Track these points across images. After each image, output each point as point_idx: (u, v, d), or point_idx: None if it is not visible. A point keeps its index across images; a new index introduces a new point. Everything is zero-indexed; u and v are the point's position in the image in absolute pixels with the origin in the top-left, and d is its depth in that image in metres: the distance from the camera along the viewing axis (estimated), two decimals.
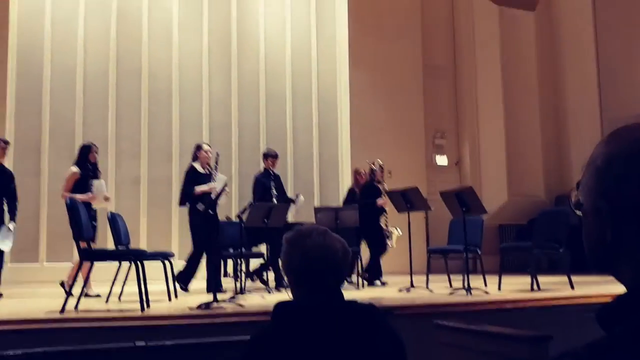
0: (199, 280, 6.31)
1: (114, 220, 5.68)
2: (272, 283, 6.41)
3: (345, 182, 9.89)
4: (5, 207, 5.72)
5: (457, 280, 6.31)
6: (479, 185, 9.87)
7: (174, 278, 5.63)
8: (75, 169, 5.96)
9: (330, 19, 10.28)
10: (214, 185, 5.91)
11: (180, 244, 8.90)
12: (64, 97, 8.70)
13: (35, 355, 2.74)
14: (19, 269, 7.59)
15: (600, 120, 10.32)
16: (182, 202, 6.24)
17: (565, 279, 5.75)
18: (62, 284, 5.42)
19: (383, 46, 10.19)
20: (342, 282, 1.66)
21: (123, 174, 8.73)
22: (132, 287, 4.75)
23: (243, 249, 6.09)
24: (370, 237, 6.99)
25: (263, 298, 5.37)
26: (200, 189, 6.03)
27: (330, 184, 9.85)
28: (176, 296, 5.43)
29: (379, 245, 6.94)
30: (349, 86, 10.02)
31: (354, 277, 6.51)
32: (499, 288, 5.75)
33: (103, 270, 5.24)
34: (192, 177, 6.20)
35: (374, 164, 7.12)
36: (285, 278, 1.81)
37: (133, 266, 4.67)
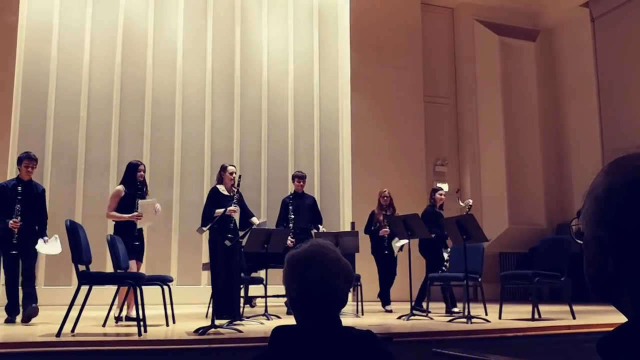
0: (201, 306, 6.26)
1: (113, 244, 5.65)
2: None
3: (347, 207, 9.89)
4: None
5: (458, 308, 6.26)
6: (480, 212, 9.85)
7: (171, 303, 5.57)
8: (120, 187, 5.94)
9: (333, 46, 10.40)
10: (233, 209, 5.81)
11: (179, 268, 8.87)
12: (68, 121, 8.76)
13: None
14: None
15: (601, 150, 10.35)
16: (202, 224, 5.83)
17: (566, 308, 5.71)
18: (126, 318, 5.39)
19: (384, 75, 10.30)
20: (341, 308, 1.62)
21: None
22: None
23: (242, 274, 6.05)
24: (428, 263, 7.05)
25: (262, 324, 5.32)
26: (218, 212, 5.79)
27: (331, 209, 9.84)
28: (174, 321, 5.39)
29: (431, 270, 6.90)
30: (351, 113, 10.09)
31: (353, 305, 6.48)
32: (500, 316, 5.70)
33: (101, 293, 5.21)
34: (213, 199, 6.06)
35: (439, 191, 7.30)
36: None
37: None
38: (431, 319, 5.77)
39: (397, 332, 4.68)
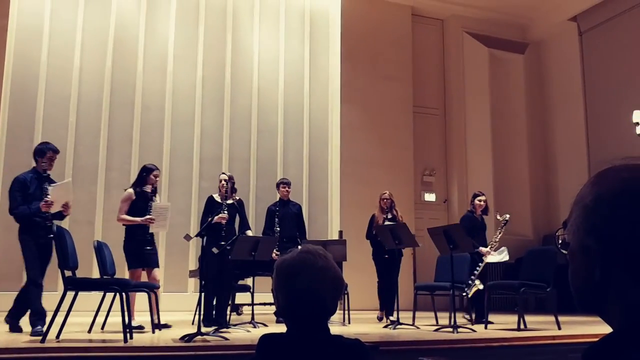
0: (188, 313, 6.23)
1: (100, 250, 5.63)
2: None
3: (335, 216, 9.90)
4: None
5: (444, 318, 6.28)
6: None
7: (157, 311, 5.56)
8: (130, 190, 5.87)
9: (324, 56, 10.45)
10: (223, 216, 5.80)
11: (165, 275, 8.81)
12: (57, 125, 8.70)
13: None
14: (1, 297, 7.46)
15: (587, 162, 10.48)
16: (197, 233, 5.72)
17: (552, 318, 5.75)
18: (138, 327, 5.34)
19: (374, 85, 10.38)
20: (330, 317, 1.60)
21: (111, 203, 8.68)
22: (115, 318, 4.69)
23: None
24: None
25: (248, 332, 5.31)
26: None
27: (319, 218, 9.85)
28: (160, 328, 5.37)
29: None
30: (340, 122, 10.14)
31: (340, 313, 6.47)
32: (486, 326, 5.74)
33: (87, 299, 5.17)
34: (208, 208, 6.06)
35: (479, 196, 6.96)
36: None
37: (117, 296, 4.61)
38: (417, 328, 5.79)
39: (384, 341, 4.69)
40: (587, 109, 10.75)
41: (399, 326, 5.78)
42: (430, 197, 10.95)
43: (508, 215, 6.74)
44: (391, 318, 6.47)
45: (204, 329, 4.61)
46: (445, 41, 11.53)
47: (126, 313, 4.41)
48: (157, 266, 5.83)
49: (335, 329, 5.37)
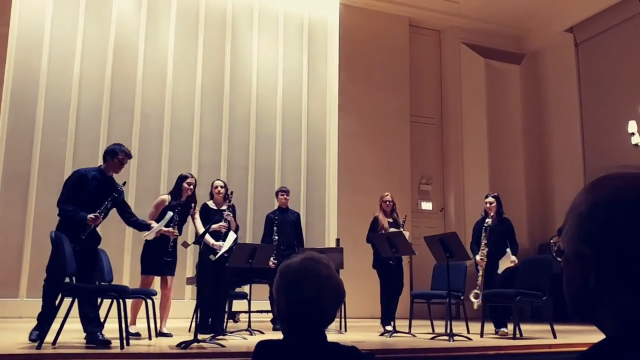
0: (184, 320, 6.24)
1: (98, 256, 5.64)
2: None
3: (332, 224, 9.93)
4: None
5: (440, 326, 6.30)
6: (463, 231, 9.93)
7: (159, 318, 5.57)
8: (164, 196, 5.82)
9: (322, 65, 10.51)
10: (224, 224, 5.79)
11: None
12: (56, 132, 8.73)
13: None
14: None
15: (583, 172, 10.54)
16: (195, 240, 5.58)
17: (548, 327, 5.77)
18: (134, 334, 5.32)
19: (372, 95, 10.46)
20: (328, 325, 1.60)
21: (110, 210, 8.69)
22: (112, 324, 4.70)
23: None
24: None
25: (245, 339, 5.32)
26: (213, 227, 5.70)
27: (316, 226, 9.88)
28: (157, 335, 5.37)
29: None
30: (338, 131, 10.19)
31: (336, 321, 6.48)
32: (482, 335, 5.75)
33: None
34: (201, 215, 6.02)
35: (486, 198, 6.48)
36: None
37: (115, 303, 4.62)
38: (414, 336, 5.80)
39: (380, 348, 4.70)
40: (582, 119, 10.82)
41: (395, 334, 5.80)
42: (427, 205, 10.99)
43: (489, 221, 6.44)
44: (387, 327, 6.28)
45: (200, 336, 4.63)
46: (442, 52, 11.62)
47: (123, 319, 4.41)
48: (172, 275, 5.77)
49: (331, 336, 5.38)
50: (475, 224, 6.52)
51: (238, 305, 7.26)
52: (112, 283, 5.72)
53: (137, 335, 5.33)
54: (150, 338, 5.13)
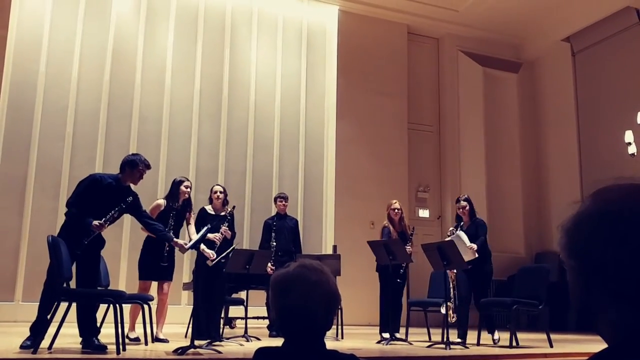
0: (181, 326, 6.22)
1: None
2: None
3: (329, 231, 9.93)
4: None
5: (437, 334, 6.29)
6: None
7: (155, 323, 5.56)
8: (160, 201, 5.82)
9: (320, 71, 10.54)
10: (219, 237, 5.77)
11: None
12: (53, 136, 8.72)
13: None
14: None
15: (580, 180, 10.57)
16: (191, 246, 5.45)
17: (544, 336, 5.77)
18: (133, 339, 5.31)
19: (370, 102, 10.48)
20: (326, 332, 1.57)
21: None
22: (109, 329, 4.69)
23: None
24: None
25: (241, 345, 5.31)
26: (212, 236, 5.69)
27: (313, 232, 9.88)
28: (153, 340, 5.36)
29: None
30: (336, 137, 10.21)
31: (333, 328, 6.47)
32: (478, 343, 5.75)
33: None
34: (199, 220, 6.01)
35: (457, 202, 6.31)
36: None
37: (111, 308, 4.61)
38: (410, 344, 5.80)
39: (377, 356, 4.70)
40: (579, 128, 10.87)
41: (392, 342, 5.79)
42: (424, 213, 11.00)
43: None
44: (384, 335, 6.13)
45: (197, 342, 4.61)
46: (440, 59, 11.66)
47: (119, 324, 4.40)
48: (170, 279, 5.78)
49: (328, 343, 5.37)
50: (450, 232, 6.40)
51: (235, 311, 7.25)
52: (109, 288, 5.70)
53: (137, 340, 5.32)
54: (147, 344, 5.12)
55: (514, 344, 5.58)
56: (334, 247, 9.24)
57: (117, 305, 4.54)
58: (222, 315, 6.16)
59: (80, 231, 4.61)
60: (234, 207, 6.16)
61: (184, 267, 8.75)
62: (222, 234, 5.86)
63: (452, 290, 6.03)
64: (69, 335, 4.92)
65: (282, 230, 6.96)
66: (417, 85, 11.24)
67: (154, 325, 5.50)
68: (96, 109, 9.05)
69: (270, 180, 9.87)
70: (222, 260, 5.72)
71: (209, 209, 6.21)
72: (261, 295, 6.95)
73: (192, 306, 5.60)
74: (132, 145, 9.15)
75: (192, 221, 5.91)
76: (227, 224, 5.90)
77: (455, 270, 6.03)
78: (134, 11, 9.53)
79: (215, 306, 5.87)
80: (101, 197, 4.73)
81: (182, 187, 5.80)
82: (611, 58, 10.34)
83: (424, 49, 11.57)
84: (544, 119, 11.66)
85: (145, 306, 5.35)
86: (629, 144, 8.79)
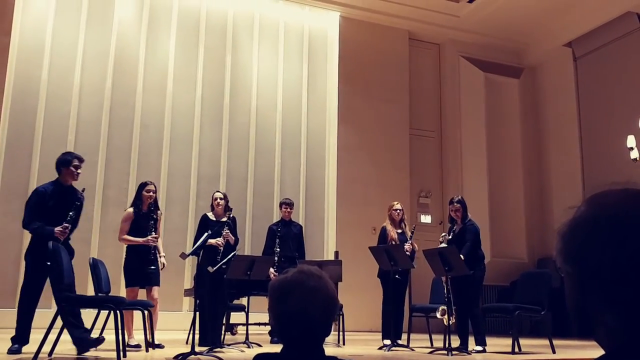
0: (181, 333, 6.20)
1: (96, 267, 5.63)
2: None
3: (331, 237, 9.92)
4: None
5: (439, 340, 6.27)
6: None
7: (152, 330, 5.54)
8: (130, 210, 5.80)
9: (322, 78, 10.56)
10: (221, 242, 5.78)
11: (160, 293, 8.76)
12: (55, 143, 8.71)
13: None
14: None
15: (582, 185, 10.54)
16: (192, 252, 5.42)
17: (546, 342, 5.74)
18: (134, 346, 5.32)
19: (371, 108, 10.49)
20: (325, 338, 1.56)
21: (108, 221, 8.68)
22: (110, 336, 4.68)
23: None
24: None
25: (242, 352, 5.29)
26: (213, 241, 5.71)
27: (315, 238, 9.86)
28: (154, 347, 5.34)
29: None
30: (337, 143, 10.21)
31: (335, 334, 6.44)
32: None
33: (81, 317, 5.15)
34: (201, 226, 6.02)
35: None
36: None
37: (112, 314, 4.60)
38: (412, 350, 5.77)
39: None
40: (581, 133, 10.85)
41: (393, 348, 5.77)
42: (426, 218, 10.97)
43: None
44: (385, 341, 6.06)
45: (198, 349, 4.60)
46: (442, 65, 11.66)
47: (120, 331, 4.39)
48: (158, 284, 5.78)
49: (329, 350, 5.36)
50: (442, 238, 6.27)
51: (236, 317, 7.23)
52: (110, 294, 5.69)
53: (138, 347, 5.31)
54: (147, 350, 5.11)
55: (517, 350, 5.55)
56: (336, 253, 9.22)
57: (118, 311, 4.53)
58: (223, 322, 6.14)
59: (46, 244, 4.56)
60: (231, 210, 6.13)
61: (186, 273, 8.75)
62: (224, 238, 5.85)
63: (445, 294, 5.88)
64: (69, 341, 4.91)
65: (286, 237, 6.96)
66: (418, 90, 11.24)
67: (155, 332, 5.49)
68: (98, 116, 9.06)
69: (271, 186, 9.87)
70: (224, 266, 5.71)
71: (211, 215, 6.22)
72: (262, 301, 6.91)
73: (192, 312, 5.59)
74: (134, 153, 9.17)
75: (159, 225, 5.86)
76: (227, 229, 5.90)
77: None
78: (136, 18, 9.56)
79: (217, 312, 5.86)
80: (53, 205, 4.78)
81: (144, 192, 5.77)
82: (613, 63, 10.34)
83: (425, 54, 11.58)
84: (546, 124, 11.65)
85: (146, 312, 5.33)
86: (631, 149, 8.77)
